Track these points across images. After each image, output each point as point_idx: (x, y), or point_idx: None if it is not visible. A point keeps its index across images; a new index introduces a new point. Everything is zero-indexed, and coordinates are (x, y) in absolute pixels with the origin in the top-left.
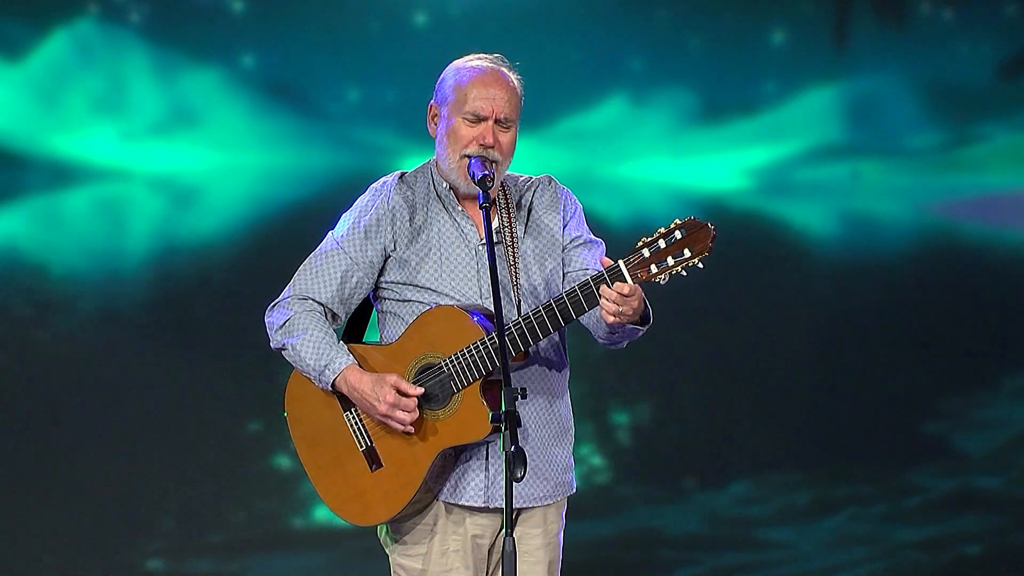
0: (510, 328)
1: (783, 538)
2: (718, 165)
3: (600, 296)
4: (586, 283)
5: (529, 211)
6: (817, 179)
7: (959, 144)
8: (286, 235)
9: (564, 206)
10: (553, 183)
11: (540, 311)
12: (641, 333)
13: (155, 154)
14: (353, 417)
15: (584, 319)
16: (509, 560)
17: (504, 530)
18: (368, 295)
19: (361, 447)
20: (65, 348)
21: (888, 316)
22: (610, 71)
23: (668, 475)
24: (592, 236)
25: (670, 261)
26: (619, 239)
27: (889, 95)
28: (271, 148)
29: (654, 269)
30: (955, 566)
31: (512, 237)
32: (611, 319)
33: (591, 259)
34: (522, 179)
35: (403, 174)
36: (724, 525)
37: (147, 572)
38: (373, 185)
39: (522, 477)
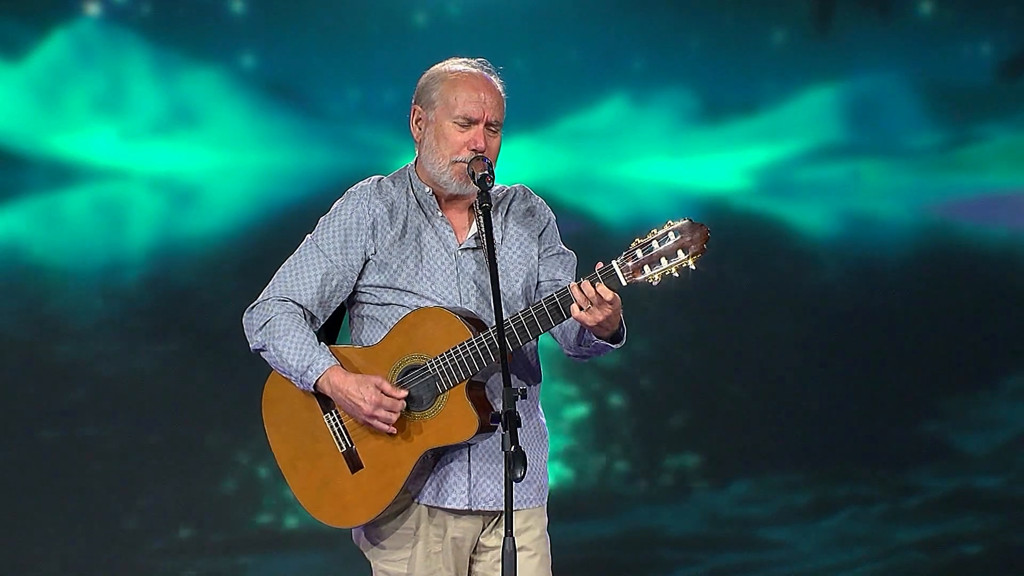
0: (504, 327)
1: (783, 538)
2: (718, 165)
3: (581, 291)
4: (578, 282)
5: (506, 219)
6: (817, 179)
7: (959, 144)
8: (286, 235)
9: (539, 215)
10: (528, 193)
11: (530, 312)
12: (611, 351)
13: (155, 154)
14: (333, 419)
15: (555, 330)
16: (509, 560)
17: (504, 530)
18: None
19: (342, 449)
20: (64, 347)
21: (888, 316)
22: (610, 71)
23: (668, 475)
24: (563, 247)
25: (664, 262)
26: (619, 239)
27: (889, 95)
28: (271, 148)
29: (647, 270)
30: (955, 566)
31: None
32: (576, 313)
33: (562, 270)
34: (496, 188)
35: (380, 179)
36: (724, 525)
37: (147, 572)
38: (350, 189)
39: (522, 477)
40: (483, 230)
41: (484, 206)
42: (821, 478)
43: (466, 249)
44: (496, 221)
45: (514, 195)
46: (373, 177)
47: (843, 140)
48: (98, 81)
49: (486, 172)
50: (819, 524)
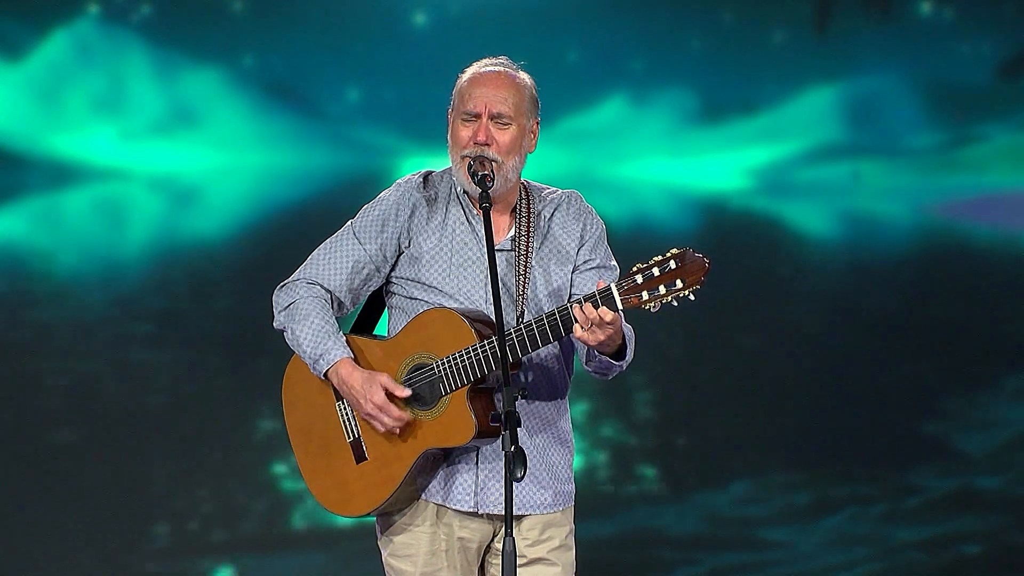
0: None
1: (783, 538)
2: (718, 165)
3: (582, 311)
4: (578, 302)
5: (549, 224)
6: (817, 179)
7: (959, 144)
8: (286, 235)
9: (584, 225)
10: (578, 200)
11: (532, 325)
12: (616, 368)
13: (155, 154)
14: (344, 408)
15: (578, 343)
16: (509, 560)
17: (504, 530)
18: (380, 288)
19: (349, 438)
20: (65, 348)
21: (888, 316)
22: (610, 71)
23: (668, 475)
24: (609, 261)
25: (661, 290)
26: (619, 239)
27: (889, 95)
28: (271, 148)
29: (645, 296)
30: (955, 566)
31: (527, 247)
32: (578, 332)
33: (594, 286)
34: (547, 191)
35: (429, 173)
36: (724, 525)
37: (147, 572)
38: (398, 180)
39: (522, 477)
40: (513, 235)
41: (484, 206)
42: (821, 478)
43: (500, 250)
44: (538, 226)
45: (561, 201)
46: (423, 170)
47: (843, 140)
48: (98, 81)
49: (486, 173)
50: (819, 524)
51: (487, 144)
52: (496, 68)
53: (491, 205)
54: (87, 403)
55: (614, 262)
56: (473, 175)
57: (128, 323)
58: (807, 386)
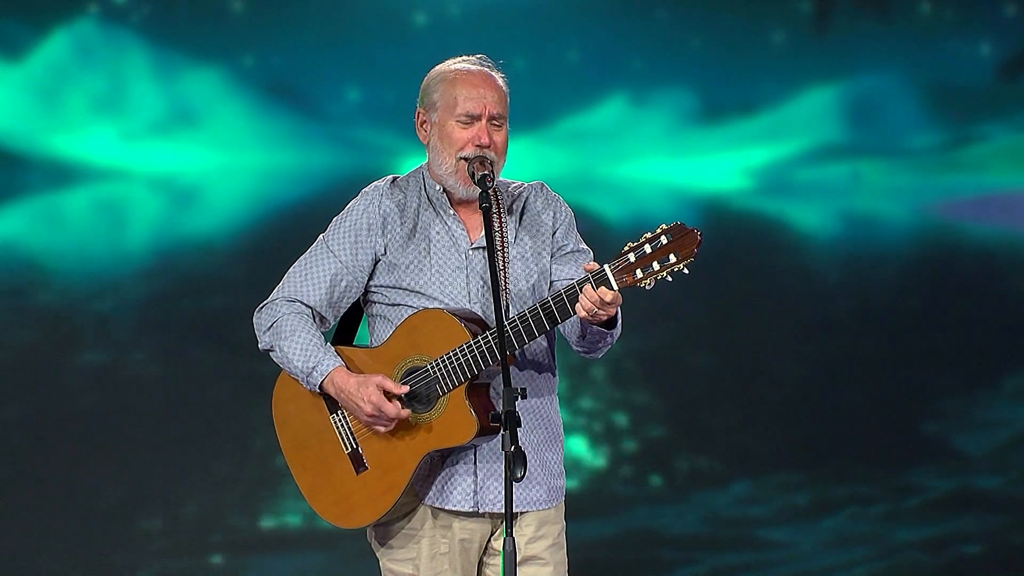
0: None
1: (783, 538)
2: (718, 165)
3: (583, 294)
4: (572, 287)
5: (521, 216)
6: (817, 179)
7: (959, 144)
8: (286, 235)
9: (554, 213)
10: (545, 189)
11: (526, 314)
12: (610, 340)
13: (155, 154)
14: (339, 419)
15: (562, 325)
16: (509, 560)
17: (504, 531)
18: (358, 298)
19: (347, 449)
20: (64, 348)
21: (888, 316)
22: (610, 71)
23: (668, 475)
24: (580, 245)
25: (655, 266)
26: (619, 239)
27: (889, 95)
28: (271, 148)
29: (639, 274)
30: (955, 566)
31: (503, 241)
32: (583, 314)
33: (576, 269)
34: (513, 185)
35: (395, 178)
36: (724, 525)
37: (146, 572)
38: (365, 189)
39: (522, 477)
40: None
41: (484, 206)
42: (821, 478)
43: (477, 248)
44: (510, 219)
45: (531, 192)
46: (388, 176)
47: (843, 140)
48: (98, 81)
49: (486, 172)
50: (819, 524)
51: (489, 146)
52: (483, 67)
53: (491, 206)
54: (86, 402)
55: (584, 245)
56: (472, 175)
57: (127, 323)
58: (807, 386)
